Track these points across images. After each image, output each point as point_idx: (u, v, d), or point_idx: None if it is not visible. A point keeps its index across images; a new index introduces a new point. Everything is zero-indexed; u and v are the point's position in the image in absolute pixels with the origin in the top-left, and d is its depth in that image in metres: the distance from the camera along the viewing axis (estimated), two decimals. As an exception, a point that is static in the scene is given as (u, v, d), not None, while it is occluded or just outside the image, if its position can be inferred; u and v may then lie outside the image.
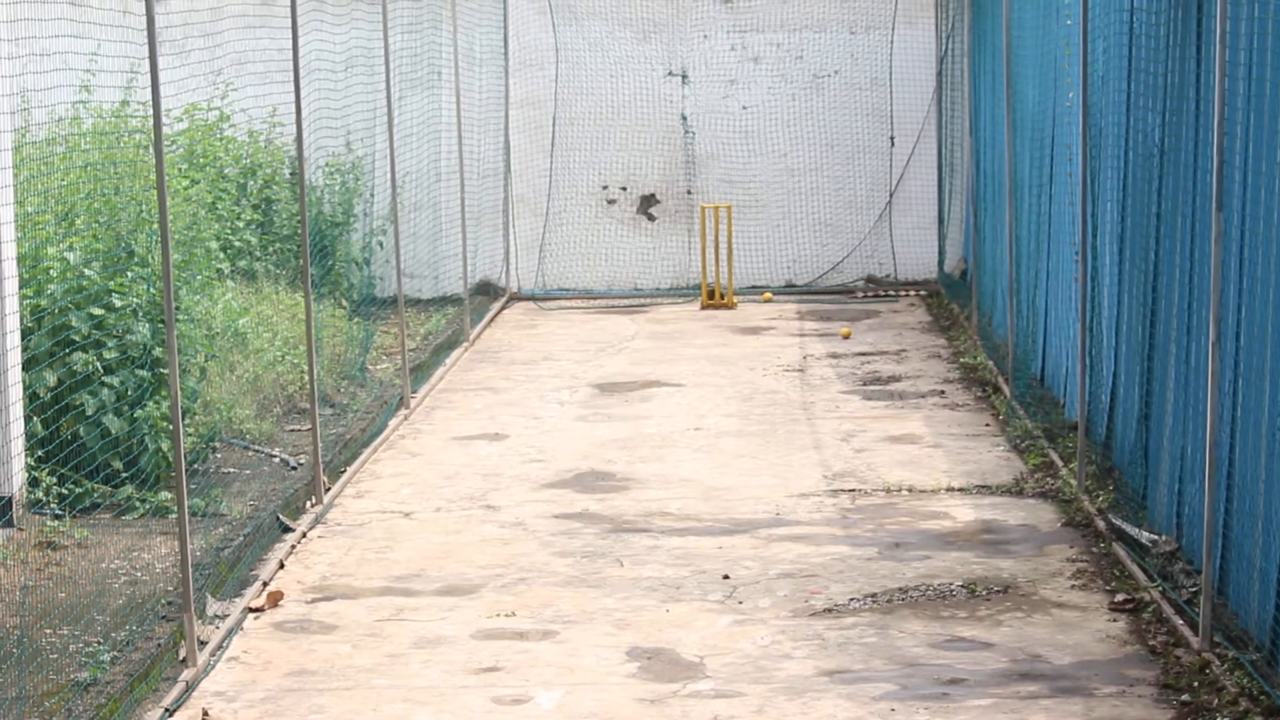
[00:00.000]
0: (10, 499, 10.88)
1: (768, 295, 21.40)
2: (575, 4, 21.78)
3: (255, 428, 13.53)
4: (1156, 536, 10.46)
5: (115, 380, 11.64)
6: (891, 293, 21.66)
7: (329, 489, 12.60)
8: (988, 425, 14.35)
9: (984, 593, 10.19)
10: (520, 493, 12.68)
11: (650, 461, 13.48)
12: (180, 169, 14.20)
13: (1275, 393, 8.50)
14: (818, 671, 9.03)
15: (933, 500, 12.20)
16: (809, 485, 12.65)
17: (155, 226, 11.62)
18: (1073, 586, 10.28)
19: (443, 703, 8.78)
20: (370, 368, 16.43)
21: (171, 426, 9.49)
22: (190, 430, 12.31)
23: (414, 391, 15.85)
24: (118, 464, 11.56)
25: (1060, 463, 12.71)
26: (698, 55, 21.80)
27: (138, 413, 11.66)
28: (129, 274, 11.92)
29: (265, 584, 10.61)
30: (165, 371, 10.71)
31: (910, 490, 12.44)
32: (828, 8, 21.66)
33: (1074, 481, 12.12)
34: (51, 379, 11.36)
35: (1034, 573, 10.55)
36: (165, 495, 11.49)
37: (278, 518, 11.70)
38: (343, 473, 13.14)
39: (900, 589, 10.29)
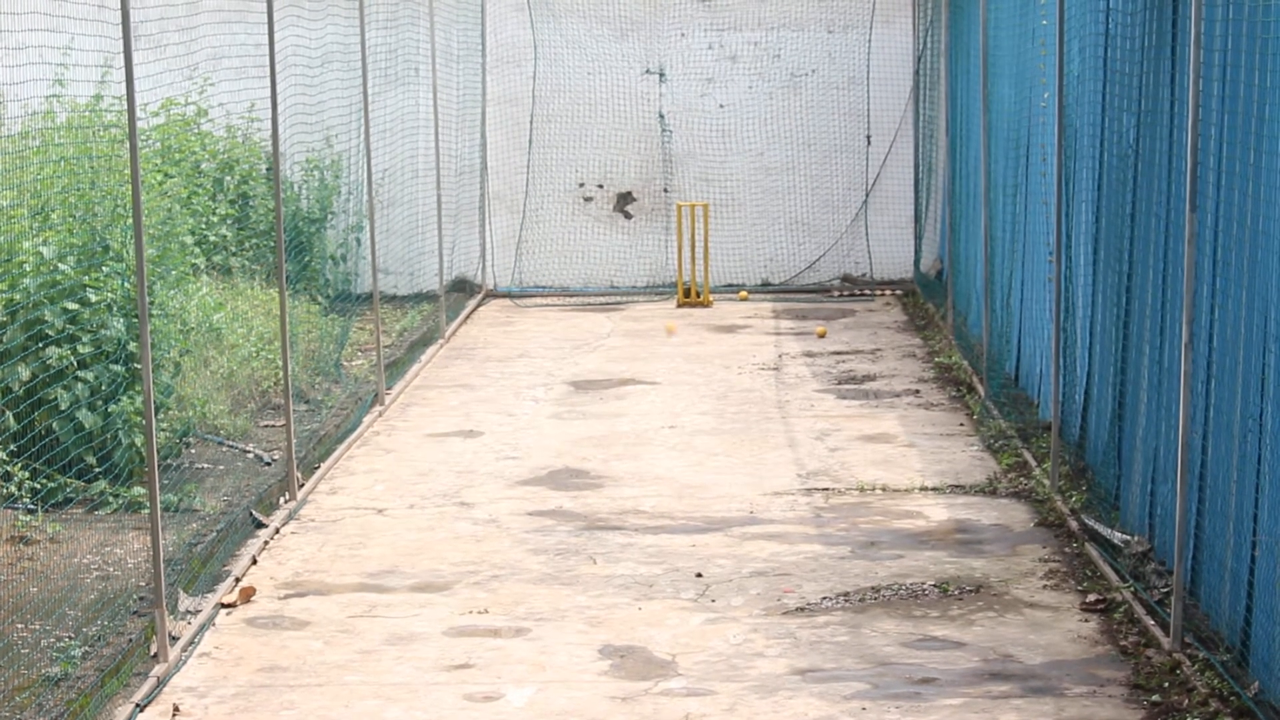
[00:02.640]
0: (-18, 493, 10.87)
1: (744, 294, 21.39)
2: (553, 1, 21.77)
3: (229, 423, 13.51)
4: (1129, 537, 10.49)
5: (89, 375, 11.62)
6: (867, 292, 21.67)
7: (303, 485, 12.59)
8: (962, 425, 14.37)
9: (956, 592, 10.21)
10: (494, 490, 12.68)
11: (625, 459, 13.48)
12: (155, 164, 14.15)
13: (1247, 393, 8.52)
14: (790, 670, 9.04)
15: (906, 499, 12.22)
16: (783, 484, 12.66)
17: (130, 221, 11.59)
18: (1045, 586, 10.30)
19: (414, 699, 8.78)
20: (345, 364, 16.42)
21: (145, 421, 9.47)
22: (164, 425, 12.30)
23: (389, 388, 15.84)
24: (91, 459, 11.53)
25: (1033, 463, 12.74)
26: (675, 53, 21.79)
27: (111, 408, 11.64)
28: (104, 269, 11.90)
29: (238, 580, 10.60)
30: (139, 366, 10.70)
31: (884, 489, 12.46)
32: (805, 7, 21.67)
33: (1047, 481, 12.15)
34: (25, 373, 11.33)
35: (1006, 572, 10.57)
36: (138, 490, 11.47)
37: (251, 513, 11.68)
38: (316, 469, 13.12)
39: (873, 588, 10.31)
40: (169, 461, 12.18)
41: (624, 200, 22.03)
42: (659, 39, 21.76)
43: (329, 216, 18.11)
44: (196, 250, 14.69)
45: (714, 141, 21.88)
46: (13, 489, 11.11)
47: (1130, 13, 10.78)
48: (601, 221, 22.05)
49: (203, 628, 9.76)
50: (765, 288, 21.90)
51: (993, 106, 15.55)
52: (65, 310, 11.58)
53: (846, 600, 10.11)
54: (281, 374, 12.81)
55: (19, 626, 9.30)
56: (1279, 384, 8.13)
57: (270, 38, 12.28)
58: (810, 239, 21.95)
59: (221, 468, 12.69)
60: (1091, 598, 10.00)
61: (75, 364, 11.57)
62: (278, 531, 11.65)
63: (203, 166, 16.81)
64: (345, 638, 9.67)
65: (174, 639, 9.38)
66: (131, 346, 11.79)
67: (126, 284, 11.87)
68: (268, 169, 17.38)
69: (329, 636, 9.69)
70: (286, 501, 12.22)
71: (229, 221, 16.72)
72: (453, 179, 20.28)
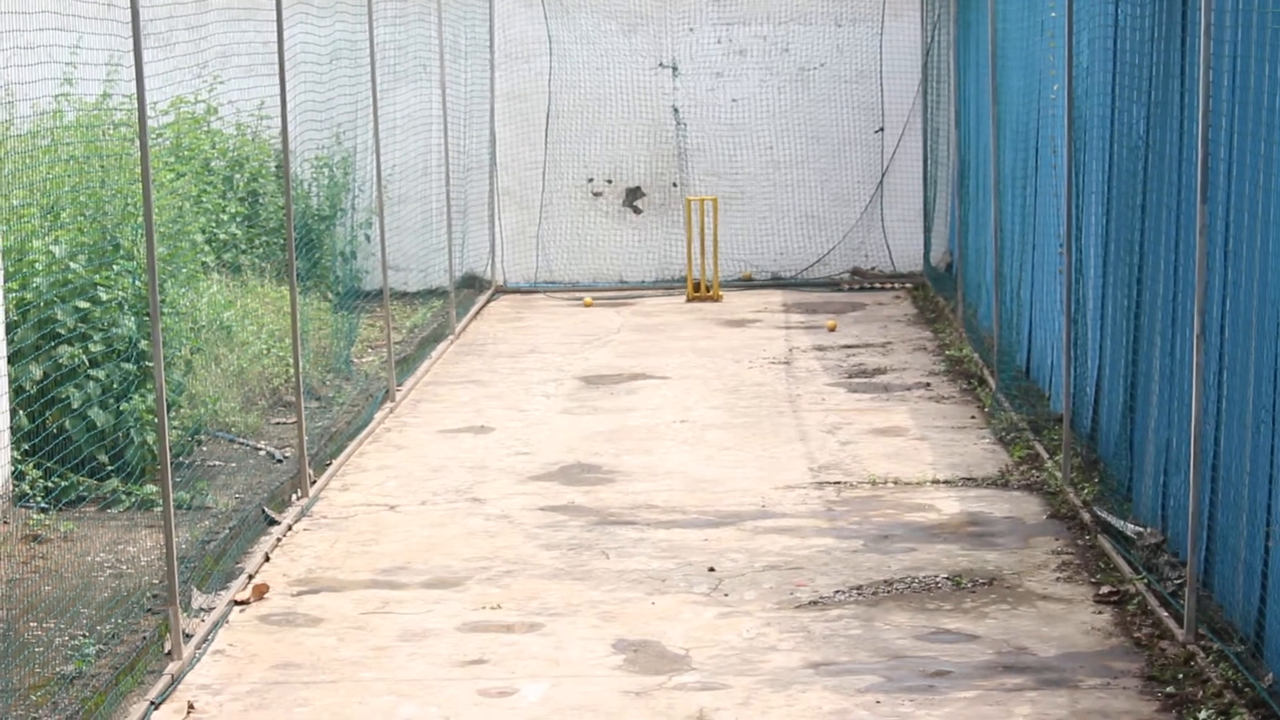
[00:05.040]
0: (-5, 492, 10.87)
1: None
2: (561, -4, 21.78)
3: (241, 421, 13.51)
4: (1141, 528, 10.48)
5: (101, 373, 11.62)
6: (877, 285, 21.66)
7: (314, 482, 12.59)
8: (973, 418, 14.36)
9: (969, 585, 10.20)
10: (506, 485, 12.68)
11: (636, 454, 13.48)
12: (166, 162, 14.16)
13: (1260, 384, 8.51)
14: (803, 663, 9.04)
15: (918, 493, 12.21)
16: (794, 478, 12.66)
17: (141, 220, 11.60)
18: (1058, 579, 10.29)
19: (429, 695, 8.78)
20: (356, 361, 16.42)
21: (157, 419, 9.47)
22: (176, 423, 12.30)
23: (400, 384, 15.84)
24: (103, 457, 11.54)
25: (1045, 455, 12.73)
26: (684, 48, 21.78)
27: (123, 406, 11.64)
28: (115, 267, 11.91)
29: (251, 577, 10.61)
30: (151, 364, 10.70)
31: (895, 483, 12.45)
32: (814, 0, 21.65)
33: (1059, 474, 12.13)
34: (37, 372, 11.34)
35: (1019, 565, 10.56)
36: (150, 488, 11.47)
37: (263, 511, 11.69)
38: (328, 466, 13.13)
39: (885, 581, 10.31)
40: (181, 459, 12.20)
41: (633, 195, 22.03)
42: (668, 33, 21.75)
43: (339, 213, 18.12)
44: (207, 248, 14.71)
45: (723, 136, 21.86)
46: (26, 488, 11.13)
47: (1140, 3, 10.76)
48: (611, 217, 22.05)
49: (216, 625, 9.76)
50: (775, 281, 21.89)
51: (1002, 99, 15.54)
52: (77, 309, 11.59)
53: (859, 593, 10.11)
54: (292, 371, 12.81)
55: (33, 625, 9.31)
56: (1291, 374, 8.12)
57: (279, 35, 12.28)
58: (820, 233, 21.94)
59: (233, 465, 12.70)
60: (1105, 590, 10.00)
61: (87, 362, 11.58)
62: (290, 528, 11.66)
63: (213, 164, 16.82)
64: (359, 634, 9.67)
65: (188, 636, 9.38)
66: (143, 344, 11.80)
67: (137, 282, 11.88)
68: (277, 166, 17.39)
69: (342, 633, 9.70)
70: (299, 498, 12.23)
71: (239, 219, 16.73)
72: (462, 175, 20.29)
